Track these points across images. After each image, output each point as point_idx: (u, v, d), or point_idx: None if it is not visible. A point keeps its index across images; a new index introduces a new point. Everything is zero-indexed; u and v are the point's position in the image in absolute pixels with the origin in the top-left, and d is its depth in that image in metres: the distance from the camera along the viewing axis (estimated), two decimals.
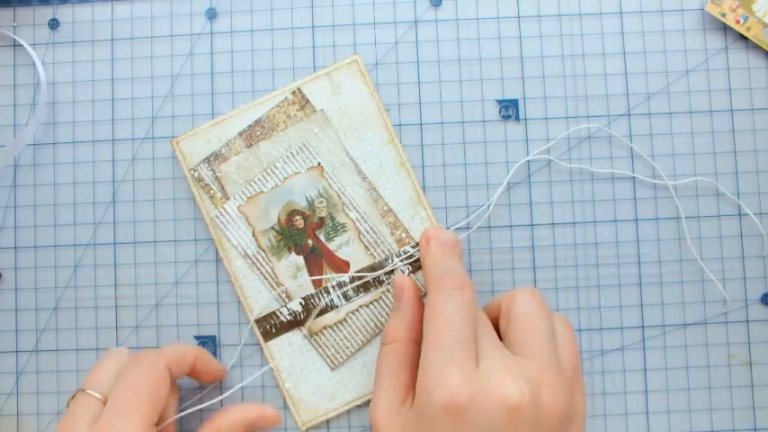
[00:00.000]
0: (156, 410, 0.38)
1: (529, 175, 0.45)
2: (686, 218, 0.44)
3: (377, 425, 0.38)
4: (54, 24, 0.46)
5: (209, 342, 0.45)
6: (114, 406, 0.37)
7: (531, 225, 0.45)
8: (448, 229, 0.44)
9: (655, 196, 0.45)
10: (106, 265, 0.45)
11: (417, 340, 0.40)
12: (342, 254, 0.44)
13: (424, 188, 0.45)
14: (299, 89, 0.45)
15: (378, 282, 0.44)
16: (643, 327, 0.44)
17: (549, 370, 0.36)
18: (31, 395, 0.45)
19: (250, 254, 0.44)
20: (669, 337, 0.44)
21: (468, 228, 0.44)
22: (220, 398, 0.44)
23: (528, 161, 0.45)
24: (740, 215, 0.45)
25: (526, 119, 0.45)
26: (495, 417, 0.34)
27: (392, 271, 0.44)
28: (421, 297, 0.42)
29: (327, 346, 0.44)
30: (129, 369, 0.39)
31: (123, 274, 0.45)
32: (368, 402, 0.44)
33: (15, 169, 0.46)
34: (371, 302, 0.44)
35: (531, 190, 0.45)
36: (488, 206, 0.44)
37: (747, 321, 0.44)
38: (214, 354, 0.44)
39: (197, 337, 0.45)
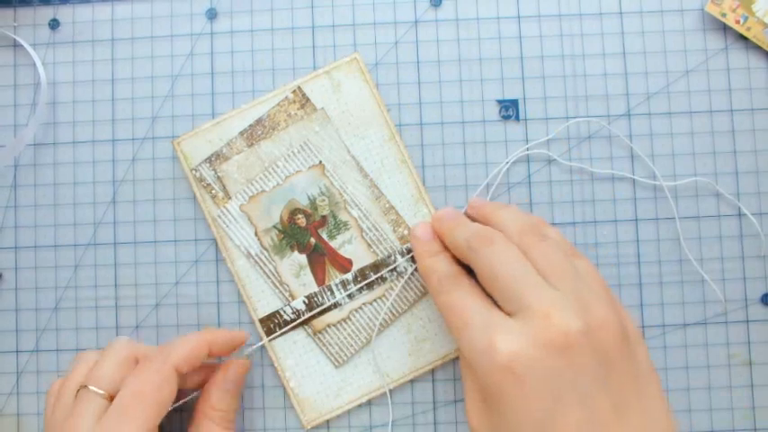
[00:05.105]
0: (159, 415, 0.38)
1: (529, 175, 0.45)
2: (686, 218, 0.44)
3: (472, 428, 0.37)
4: (54, 24, 0.46)
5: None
6: (116, 410, 0.37)
7: None
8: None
9: (654, 196, 0.45)
10: (106, 265, 0.45)
11: None
12: (344, 252, 0.44)
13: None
14: (299, 88, 0.45)
15: (381, 279, 0.44)
16: (643, 327, 0.44)
17: (583, 292, 0.35)
18: (31, 395, 0.45)
19: (253, 253, 0.44)
20: (669, 337, 0.44)
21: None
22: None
23: (528, 162, 0.45)
24: (740, 215, 0.45)
25: (526, 119, 0.45)
26: (552, 361, 0.33)
27: (395, 268, 0.44)
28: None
29: (331, 345, 0.44)
30: (135, 373, 0.39)
31: (123, 274, 0.45)
32: (372, 400, 0.44)
33: (15, 169, 0.46)
34: (374, 300, 0.44)
35: (531, 190, 0.45)
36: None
37: (747, 321, 0.44)
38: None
39: None
